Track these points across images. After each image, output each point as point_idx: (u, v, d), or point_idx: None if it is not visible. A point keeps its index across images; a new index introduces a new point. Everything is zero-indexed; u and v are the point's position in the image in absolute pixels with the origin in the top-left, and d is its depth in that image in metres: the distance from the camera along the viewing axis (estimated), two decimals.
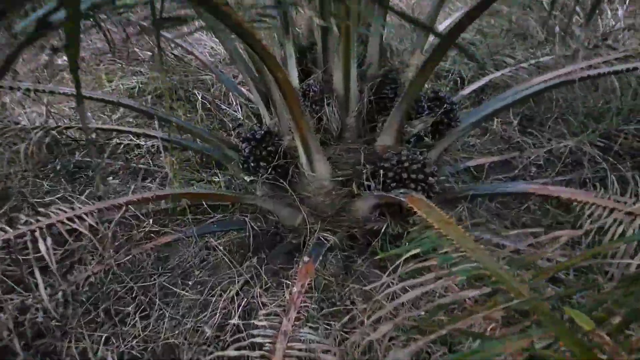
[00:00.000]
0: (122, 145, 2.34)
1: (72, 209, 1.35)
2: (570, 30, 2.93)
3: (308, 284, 1.31)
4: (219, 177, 2.15)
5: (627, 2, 2.97)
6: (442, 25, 2.80)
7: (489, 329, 1.24)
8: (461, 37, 3.35)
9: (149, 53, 2.93)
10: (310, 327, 1.15)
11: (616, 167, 2.30)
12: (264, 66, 1.57)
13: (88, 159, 2.25)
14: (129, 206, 1.44)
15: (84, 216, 1.31)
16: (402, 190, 1.46)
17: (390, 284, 1.07)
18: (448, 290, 1.48)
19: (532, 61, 2.67)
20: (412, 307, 1.38)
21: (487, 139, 2.79)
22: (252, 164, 1.75)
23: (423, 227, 1.11)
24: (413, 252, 1.01)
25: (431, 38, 1.95)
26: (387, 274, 1.05)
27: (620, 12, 2.75)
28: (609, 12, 2.93)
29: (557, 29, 2.85)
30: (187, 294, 1.64)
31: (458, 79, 2.91)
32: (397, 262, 1.08)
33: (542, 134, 2.70)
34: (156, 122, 1.91)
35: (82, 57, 3.18)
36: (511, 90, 1.99)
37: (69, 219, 1.29)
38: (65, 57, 3.49)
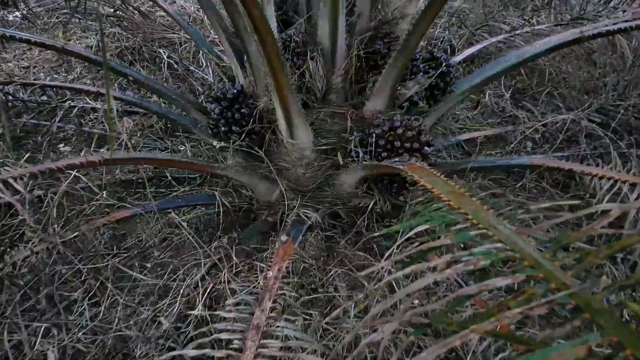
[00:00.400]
0: (75, 109, 2.07)
1: None
2: None
3: (286, 268, 1.10)
4: (185, 146, 1.90)
5: None
6: None
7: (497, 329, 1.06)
8: (452, 6, 3.17)
9: (111, 9, 2.63)
10: (287, 320, 0.94)
11: (615, 143, 2.16)
12: (239, 15, 1.33)
13: (36, 122, 1.97)
14: (72, 171, 1.19)
15: (12, 181, 1.06)
16: (397, 159, 1.25)
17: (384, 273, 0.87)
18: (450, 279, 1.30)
19: (528, 28, 2.49)
20: (412, 301, 1.18)
21: (478, 113, 2.61)
22: (222, 128, 1.52)
23: (428, 199, 0.90)
24: (420, 228, 0.81)
25: None
26: (384, 257, 0.86)
27: None
28: None
29: None
30: (144, 278, 1.42)
31: (448, 47, 2.71)
32: (398, 242, 0.88)
33: (536, 108, 2.54)
34: (102, 71, 1.66)
35: (36, 13, 2.86)
36: (512, 53, 1.79)
37: None
38: (17, 13, 3.15)
